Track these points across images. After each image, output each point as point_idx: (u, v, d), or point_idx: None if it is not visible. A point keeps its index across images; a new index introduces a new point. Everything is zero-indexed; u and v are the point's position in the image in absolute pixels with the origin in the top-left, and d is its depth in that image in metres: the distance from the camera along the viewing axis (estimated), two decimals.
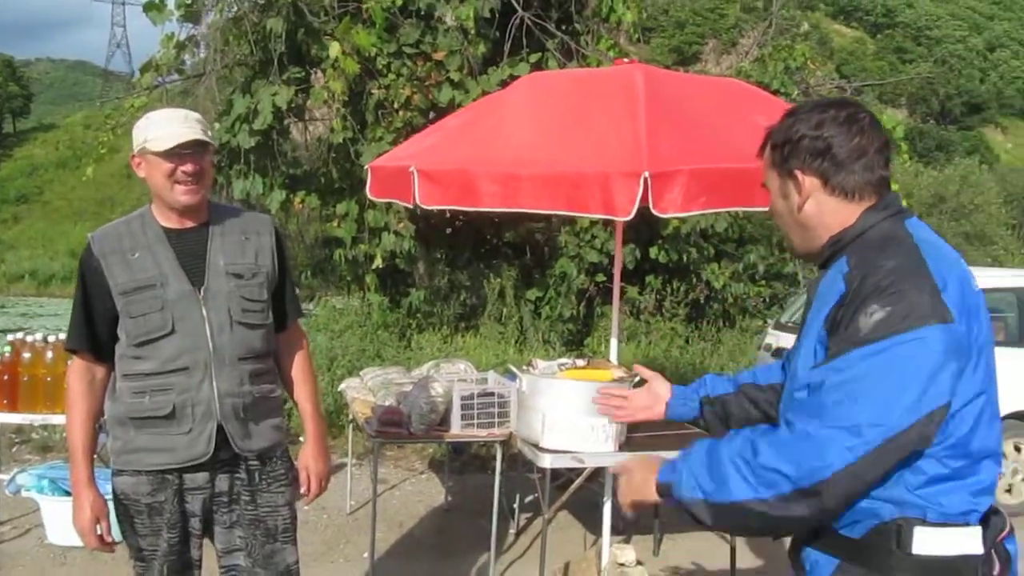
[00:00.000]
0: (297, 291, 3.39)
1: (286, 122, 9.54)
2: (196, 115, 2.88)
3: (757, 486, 1.77)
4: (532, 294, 10.63)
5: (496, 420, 4.79)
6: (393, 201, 5.34)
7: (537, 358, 5.27)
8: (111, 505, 2.87)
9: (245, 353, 2.86)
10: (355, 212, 9.40)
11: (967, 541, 1.81)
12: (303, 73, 9.30)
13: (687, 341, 10.73)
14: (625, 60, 5.31)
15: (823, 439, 1.72)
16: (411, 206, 4.60)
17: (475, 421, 4.77)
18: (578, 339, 10.58)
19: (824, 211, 1.96)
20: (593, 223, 10.28)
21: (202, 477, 2.84)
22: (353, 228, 9.43)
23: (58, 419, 4.90)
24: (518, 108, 4.71)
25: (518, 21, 9.36)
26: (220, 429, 2.81)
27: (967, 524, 1.81)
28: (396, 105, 9.06)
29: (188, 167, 2.76)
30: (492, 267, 10.69)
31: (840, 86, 15.77)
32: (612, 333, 5.32)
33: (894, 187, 2.15)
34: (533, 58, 9.28)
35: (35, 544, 5.30)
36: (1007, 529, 1.89)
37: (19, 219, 51.59)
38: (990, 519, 1.86)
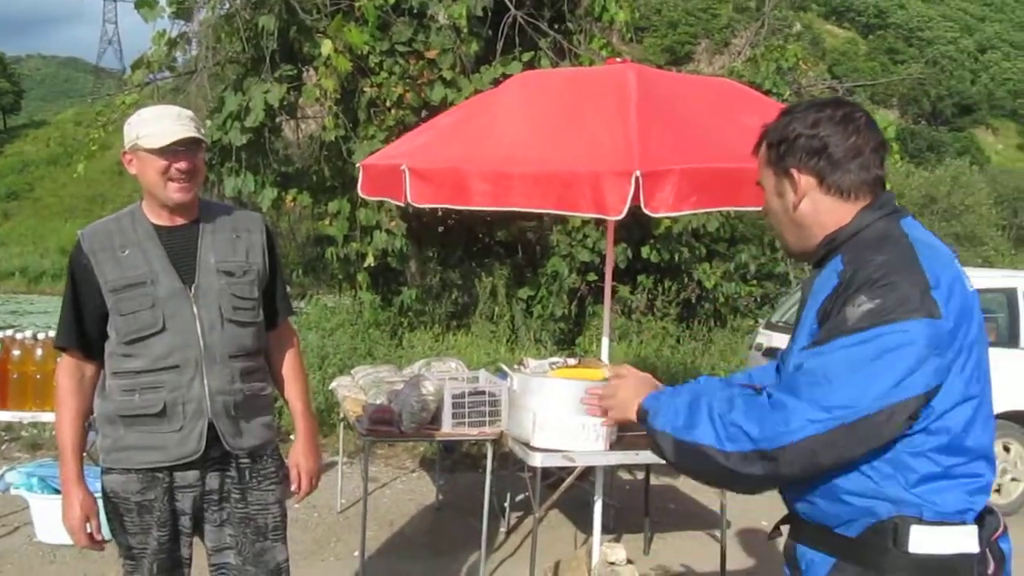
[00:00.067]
0: (288, 289, 3.38)
1: (278, 120, 9.54)
2: (188, 112, 2.87)
3: (723, 438, 1.81)
4: (524, 293, 10.63)
5: (487, 419, 4.79)
6: (385, 199, 5.33)
7: (528, 357, 5.27)
8: (100, 503, 2.86)
9: (236, 351, 2.85)
10: (347, 210, 9.40)
11: (963, 540, 1.81)
12: (295, 71, 9.29)
13: (678, 340, 10.74)
14: (617, 59, 5.32)
15: (791, 409, 1.76)
16: (402, 204, 4.60)
17: (466, 420, 4.78)
18: (569, 338, 10.59)
19: (819, 210, 1.97)
20: (585, 222, 10.28)
21: (192, 475, 2.83)
22: (345, 226, 9.42)
23: (48, 417, 4.88)
24: (510, 107, 4.71)
25: (511, 20, 9.36)
26: (211, 427, 2.80)
27: (963, 523, 1.82)
28: (388, 103, 9.06)
29: (182, 164, 2.76)
30: (484, 266, 10.69)
31: (832, 86, 15.81)
32: (603, 332, 5.32)
33: None
34: (526, 57, 9.28)
35: (24, 542, 5.29)
36: (1001, 528, 1.90)
37: (9, 216, 51.37)
38: (985, 518, 1.87)
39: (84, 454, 2.87)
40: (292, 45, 9.18)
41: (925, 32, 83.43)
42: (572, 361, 4.59)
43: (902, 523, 1.80)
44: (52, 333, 4.41)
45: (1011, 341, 6.90)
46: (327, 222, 9.63)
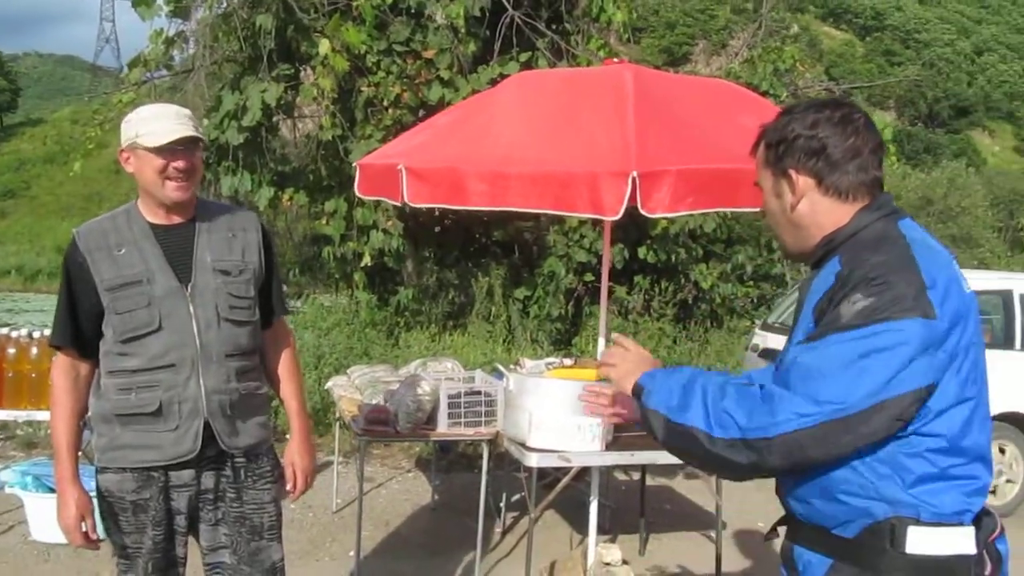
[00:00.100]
0: (284, 288, 3.38)
1: (275, 119, 9.53)
2: (187, 111, 2.87)
3: (712, 423, 1.82)
4: (520, 293, 10.63)
5: (483, 419, 4.79)
6: (382, 199, 5.33)
7: (525, 357, 5.28)
8: (95, 502, 2.86)
9: (232, 350, 2.85)
10: (344, 210, 9.40)
11: (960, 541, 1.81)
12: (292, 70, 9.29)
13: (675, 341, 10.75)
14: (615, 60, 5.32)
15: (780, 401, 1.76)
16: (399, 204, 4.59)
17: (462, 420, 4.77)
18: (566, 338, 10.59)
19: (817, 211, 1.97)
20: (582, 223, 10.29)
21: (188, 474, 2.83)
22: (342, 226, 9.42)
23: (43, 415, 4.88)
24: (507, 107, 4.70)
25: (508, 20, 9.36)
26: (207, 426, 2.80)
27: (961, 524, 1.82)
28: (386, 103, 9.06)
29: (180, 163, 2.76)
30: (480, 266, 10.69)
31: (829, 88, 15.84)
32: (600, 333, 5.32)
33: None
34: (523, 57, 9.28)
35: (18, 541, 5.28)
36: (998, 530, 1.90)
37: (6, 214, 51.28)
38: (982, 520, 1.87)
39: (79, 453, 2.87)
40: (289, 44, 9.18)
41: (922, 34, 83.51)
42: (568, 361, 4.60)
43: (899, 524, 1.80)
44: (47, 332, 4.41)
45: (1006, 343, 6.92)
46: (324, 221, 9.63)
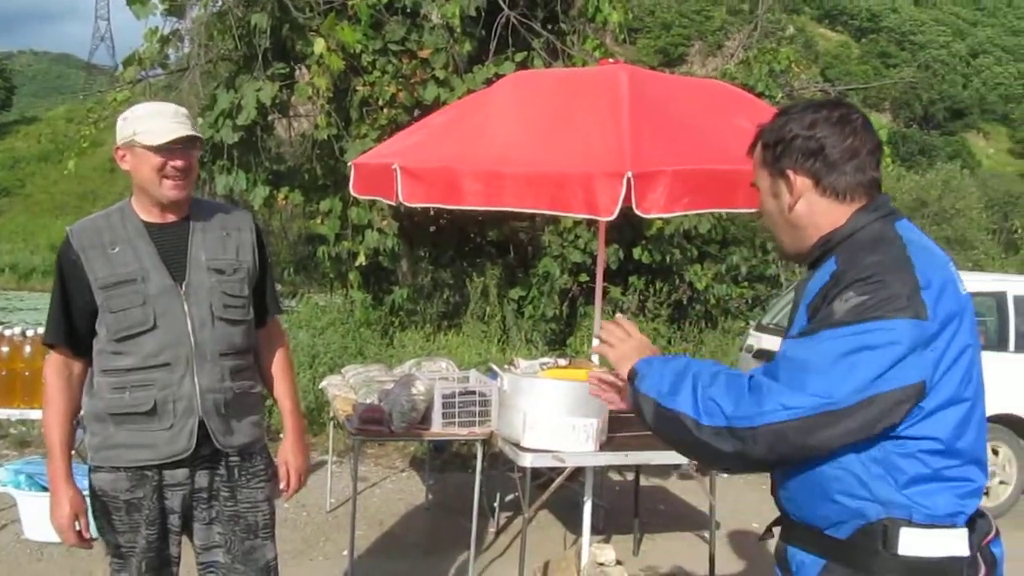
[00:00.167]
0: (279, 287, 3.38)
1: (270, 118, 9.53)
2: (184, 110, 2.88)
3: (700, 410, 1.82)
4: (515, 293, 10.63)
5: (477, 419, 4.79)
6: (377, 198, 5.33)
7: (519, 357, 5.28)
8: (88, 501, 2.85)
9: (226, 349, 2.85)
10: (339, 209, 9.39)
11: (953, 543, 1.81)
12: (288, 69, 9.28)
13: (669, 342, 10.75)
14: (610, 60, 5.32)
15: (767, 392, 1.76)
16: (394, 204, 4.59)
17: (456, 420, 4.77)
18: (560, 339, 10.59)
19: (815, 211, 1.96)
20: (577, 223, 10.29)
21: (182, 473, 2.82)
22: (337, 225, 9.41)
23: (36, 414, 4.87)
24: (503, 107, 4.71)
25: (504, 20, 9.36)
26: (201, 425, 2.79)
27: (954, 526, 1.82)
28: (381, 102, 9.05)
29: (178, 163, 2.76)
30: (475, 266, 10.68)
31: (824, 90, 15.86)
32: (594, 333, 5.32)
33: None
34: (519, 57, 9.28)
35: (11, 540, 5.26)
36: (993, 532, 1.90)
37: (0, 212, 51.22)
38: (976, 522, 1.87)
39: (72, 452, 2.86)
40: (285, 43, 9.17)
41: (917, 36, 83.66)
42: (563, 362, 4.61)
43: (891, 525, 1.79)
44: (41, 330, 4.40)
45: (1000, 344, 6.93)
46: (319, 221, 9.62)
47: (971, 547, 1.83)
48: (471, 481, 5.23)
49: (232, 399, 2.86)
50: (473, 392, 4.83)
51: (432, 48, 9.11)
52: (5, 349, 4.95)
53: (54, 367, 2.82)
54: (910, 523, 1.79)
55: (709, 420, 1.80)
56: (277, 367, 3.12)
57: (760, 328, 8.10)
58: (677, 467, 6.64)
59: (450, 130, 4.77)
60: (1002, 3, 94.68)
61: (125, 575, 2.82)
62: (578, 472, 4.84)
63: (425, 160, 4.48)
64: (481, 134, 4.54)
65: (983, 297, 7.13)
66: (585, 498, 4.79)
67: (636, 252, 10.82)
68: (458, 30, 9.08)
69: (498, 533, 5.81)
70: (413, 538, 5.76)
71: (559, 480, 4.62)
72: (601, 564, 4.80)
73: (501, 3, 9.38)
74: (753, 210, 4.12)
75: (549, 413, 4.16)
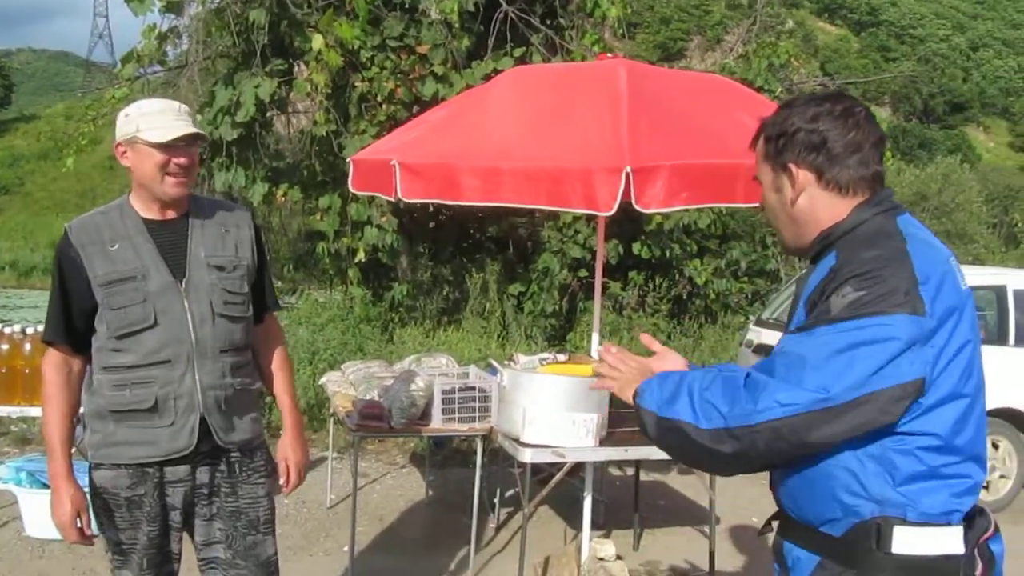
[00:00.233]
0: (279, 284, 3.39)
1: (269, 114, 9.52)
2: (186, 107, 2.89)
3: (699, 415, 1.82)
4: (515, 289, 10.63)
5: (477, 414, 4.80)
6: (376, 195, 5.32)
7: (519, 353, 5.28)
8: (89, 498, 2.85)
9: (226, 346, 2.85)
10: (338, 205, 9.38)
11: (948, 541, 1.80)
12: (286, 65, 9.26)
13: (669, 337, 10.75)
14: (609, 55, 5.32)
15: (763, 389, 1.76)
16: (393, 199, 4.59)
17: (456, 415, 4.78)
18: (560, 334, 10.59)
19: (817, 206, 1.95)
20: (576, 218, 10.29)
21: (183, 470, 2.83)
22: (336, 222, 9.41)
23: (36, 411, 4.87)
24: (501, 102, 4.70)
25: (502, 15, 9.34)
26: (202, 421, 2.80)
27: (948, 524, 1.81)
28: (379, 98, 9.04)
29: (182, 160, 2.77)
30: (475, 262, 10.68)
31: (823, 84, 15.85)
32: (594, 328, 5.33)
33: None
34: (517, 52, 9.27)
35: (13, 537, 5.27)
36: (991, 530, 1.88)
37: (0, 210, 51.21)
38: (975, 519, 1.86)
39: (73, 449, 2.86)
40: (283, 39, 9.15)
41: (917, 30, 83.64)
42: (562, 357, 4.61)
43: (885, 524, 1.79)
44: (41, 328, 4.41)
45: (1000, 338, 6.93)
46: (318, 217, 9.62)
47: (967, 545, 1.82)
48: (471, 477, 5.23)
49: (232, 395, 2.87)
50: (473, 388, 4.83)
51: (430, 44, 9.10)
52: (5, 347, 4.95)
53: (53, 364, 2.82)
54: (904, 521, 1.79)
55: (707, 423, 1.80)
56: (275, 364, 3.12)
57: (760, 323, 8.09)
58: (677, 462, 6.64)
59: (449, 126, 4.77)
60: None
61: (126, 572, 2.83)
62: (578, 467, 4.85)
63: (424, 156, 4.48)
64: (480, 130, 4.53)
65: (983, 291, 7.13)
66: (585, 493, 4.80)
67: (636, 247, 10.82)
68: (456, 26, 9.07)
69: (498, 529, 5.82)
70: (413, 534, 5.76)
71: (559, 475, 4.62)
72: (601, 559, 4.81)
73: None
74: (753, 205, 4.12)
75: (549, 408, 4.16)
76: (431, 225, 10.68)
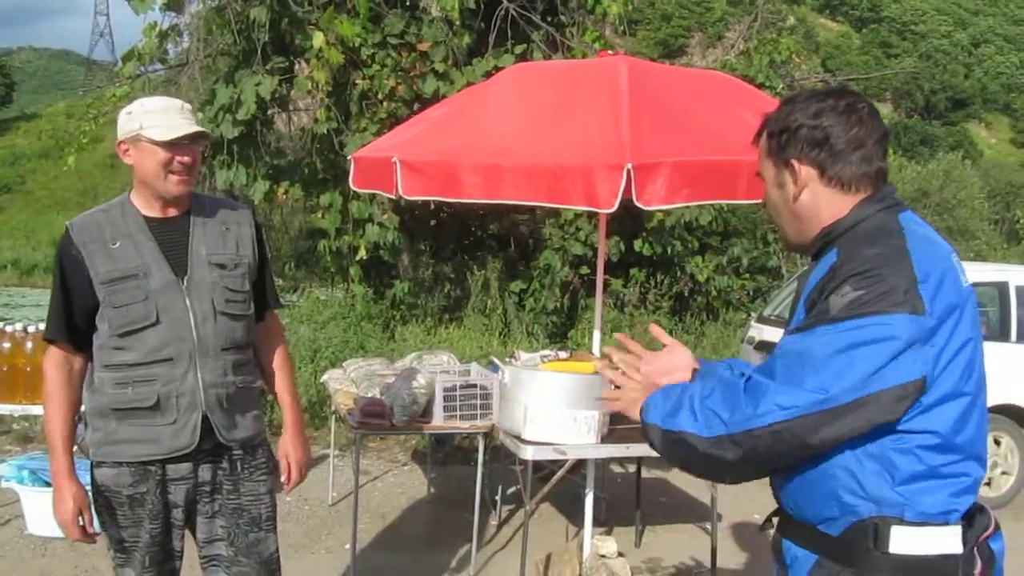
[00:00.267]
0: (280, 282, 3.39)
1: (270, 112, 9.52)
2: (188, 105, 2.90)
3: (701, 424, 1.82)
4: (516, 286, 10.63)
5: (478, 412, 4.80)
6: (377, 192, 5.32)
7: (520, 350, 5.28)
8: (91, 496, 2.85)
9: (228, 344, 2.86)
10: (339, 203, 9.39)
11: (946, 540, 1.79)
12: (287, 63, 9.27)
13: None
14: (610, 52, 5.31)
15: (763, 392, 1.76)
16: (394, 197, 4.59)
17: (457, 413, 4.78)
18: (562, 331, 10.60)
19: (819, 202, 1.93)
20: (578, 215, 10.29)
21: (185, 467, 2.83)
22: (337, 219, 9.41)
23: (38, 410, 4.87)
24: (502, 99, 4.70)
25: (503, 12, 9.34)
26: (204, 419, 2.80)
27: (946, 523, 1.80)
28: (380, 96, 9.04)
29: (186, 158, 2.77)
30: (476, 259, 10.69)
31: (825, 80, 15.86)
32: (595, 325, 5.32)
33: None
34: (518, 49, 9.27)
35: (15, 535, 5.28)
36: (991, 528, 1.87)
37: (1, 209, 51.23)
38: (975, 518, 1.85)
39: (75, 447, 2.86)
40: (283, 37, 9.15)
41: (919, 26, 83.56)
42: (564, 354, 4.61)
43: (883, 523, 1.78)
44: (43, 326, 4.41)
45: (1002, 335, 6.92)
46: (319, 215, 9.62)
47: (966, 544, 1.81)
48: (473, 474, 5.23)
49: (234, 393, 2.87)
50: (474, 385, 4.83)
51: (431, 41, 9.10)
52: (7, 345, 4.95)
53: (54, 362, 2.82)
54: (902, 521, 1.78)
55: (709, 431, 1.80)
56: (276, 362, 3.13)
57: (762, 320, 8.09)
58: None
59: (449, 123, 4.76)
60: None
61: (128, 570, 2.83)
62: (579, 464, 4.84)
63: (425, 153, 4.47)
64: (480, 127, 4.53)
65: (985, 287, 7.12)
66: (587, 490, 4.80)
67: (637, 244, 10.82)
68: (457, 23, 9.06)
69: (500, 526, 5.82)
70: (415, 531, 5.76)
71: (560, 472, 4.62)
72: (603, 556, 4.80)
73: None
74: (754, 201, 4.12)
75: (550, 406, 4.16)
76: (432, 222, 10.68)
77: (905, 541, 1.78)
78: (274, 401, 3.19)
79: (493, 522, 5.83)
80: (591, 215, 9.43)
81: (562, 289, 10.63)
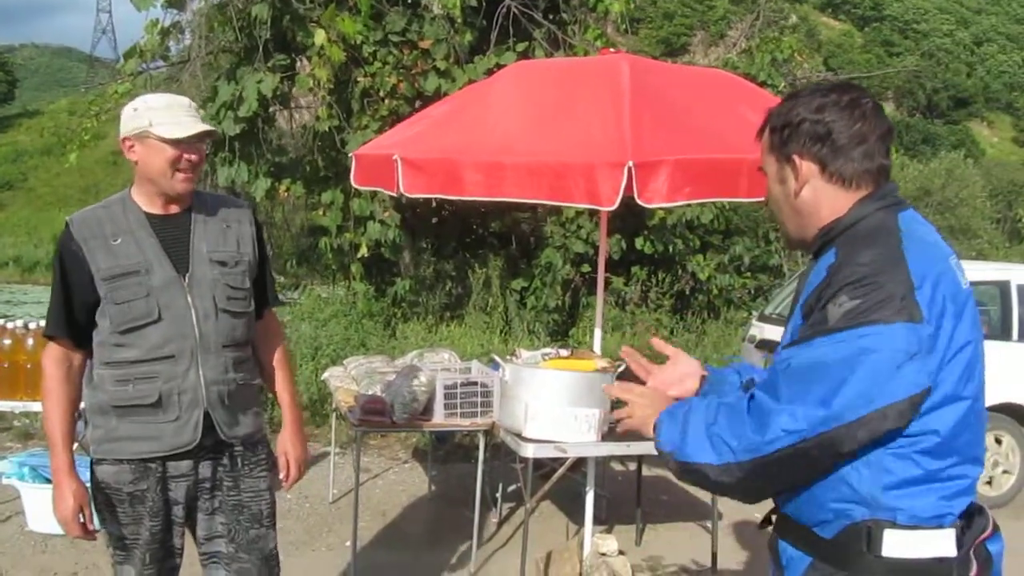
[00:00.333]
0: (282, 278, 3.39)
1: (271, 109, 9.52)
2: (193, 103, 2.90)
3: (710, 451, 1.82)
4: (517, 284, 10.63)
5: (479, 409, 4.79)
6: (378, 190, 5.32)
7: (521, 348, 5.27)
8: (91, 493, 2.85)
9: (228, 341, 2.86)
10: (341, 201, 9.39)
11: (940, 544, 1.78)
12: (288, 60, 9.26)
13: (672, 332, 10.75)
14: (612, 50, 5.30)
15: (768, 415, 1.75)
16: (395, 195, 4.59)
17: (458, 410, 4.78)
18: (563, 329, 10.59)
19: (820, 198, 1.91)
20: (579, 213, 10.29)
21: (186, 464, 2.83)
22: (339, 217, 9.41)
23: (39, 407, 4.85)
24: (504, 97, 4.70)
25: (505, 10, 9.34)
26: (206, 416, 2.80)
27: (940, 527, 1.79)
28: (382, 93, 9.04)
29: (194, 157, 2.79)
30: (478, 257, 10.68)
31: (827, 79, 15.80)
32: (596, 324, 5.32)
33: None
34: (520, 47, 9.26)
35: (16, 531, 5.28)
36: (989, 530, 1.86)
37: (3, 206, 51.22)
38: (973, 519, 1.84)
39: (75, 444, 2.86)
40: (285, 34, 9.15)
41: (921, 24, 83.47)
42: (564, 352, 4.60)
43: (876, 527, 1.77)
44: (43, 323, 4.41)
45: (1004, 334, 6.91)
46: (321, 212, 9.62)
47: (960, 547, 1.80)
48: (473, 472, 5.23)
49: (235, 391, 2.87)
50: (475, 383, 4.83)
51: (433, 39, 9.09)
52: (8, 342, 4.96)
53: (53, 358, 2.81)
54: (895, 525, 1.77)
55: (719, 459, 1.80)
56: (275, 359, 3.13)
57: (763, 318, 8.08)
58: None
59: (451, 121, 4.77)
60: None
61: (128, 567, 2.83)
62: (580, 462, 4.84)
63: (426, 151, 4.47)
64: (482, 124, 4.53)
65: (986, 286, 7.11)
66: (587, 488, 4.80)
67: (638, 242, 10.82)
68: (459, 20, 9.06)
69: (500, 524, 5.82)
70: (415, 529, 5.77)
71: (561, 470, 4.62)
72: (603, 554, 4.80)
73: None
74: (756, 200, 4.11)
75: (551, 403, 4.16)
76: (434, 220, 10.68)
77: (898, 544, 1.77)
78: (274, 398, 3.19)
79: (494, 520, 5.83)
80: (592, 213, 9.43)
81: (563, 287, 10.62)
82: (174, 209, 2.85)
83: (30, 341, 4.93)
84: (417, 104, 8.80)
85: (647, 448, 4.50)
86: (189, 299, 2.78)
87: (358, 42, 8.84)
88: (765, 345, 7.31)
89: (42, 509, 4.85)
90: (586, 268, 10.64)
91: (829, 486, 1.80)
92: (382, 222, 9.22)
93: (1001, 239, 25.34)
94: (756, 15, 14.98)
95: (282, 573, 3.10)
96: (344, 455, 6.78)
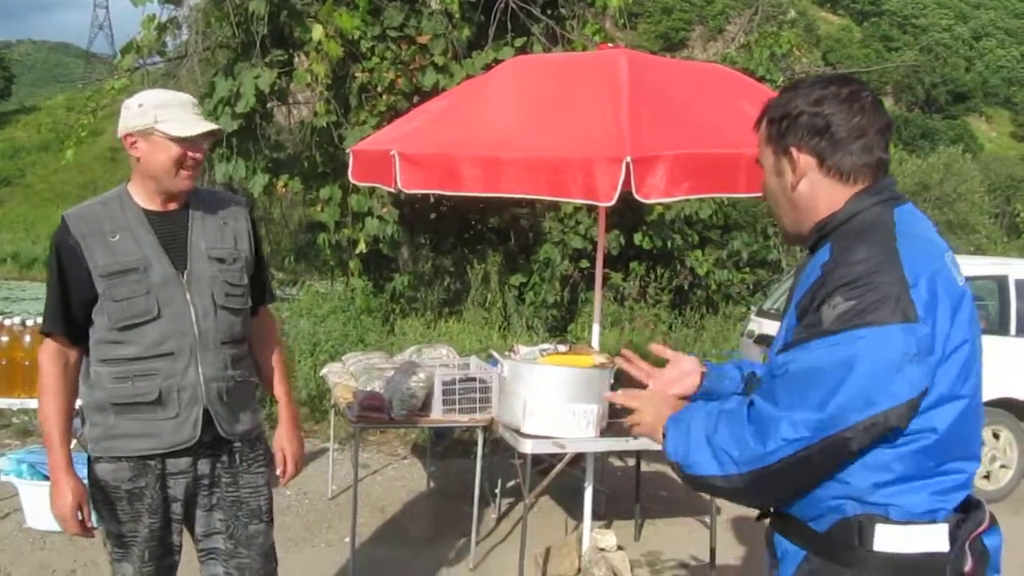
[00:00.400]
0: (280, 274, 3.38)
1: (269, 105, 9.50)
2: (195, 101, 2.90)
3: (713, 463, 1.82)
4: (516, 280, 10.63)
5: (477, 405, 4.79)
6: (376, 185, 5.31)
7: (520, 343, 5.27)
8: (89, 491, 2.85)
9: (227, 338, 2.86)
10: (339, 197, 9.38)
11: (932, 539, 1.78)
12: (286, 56, 9.25)
13: (670, 327, 10.75)
14: (610, 45, 5.29)
15: (768, 423, 1.75)
16: (393, 190, 4.58)
17: (456, 406, 4.77)
18: (561, 325, 10.60)
19: (817, 192, 1.89)
20: (578, 209, 10.29)
21: (185, 462, 2.83)
22: (337, 213, 9.40)
23: (36, 403, 4.86)
24: (502, 92, 4.69)
25: (503, 5, 9.33)
26: (204, 413, 2.80)
27: (933, 522, 1.78)
28: (380, 89, 9.03)
29: (199, 155, 2.79)
30: (476, 252, 10.68)
31: (825, 73, 15.79)
32: (594, 319, 5.32)
33: None
34: (518, 42, 9.25)
35: (14, 528, 5.27)
36: (986, 524, 1.85)
37: (1, 202, 51.17)
38: (970, 513, 1.83)
39: (73, 442, 2.85)
40: (282, 30, 9.14)
41: (920, 19, 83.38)
42: (563, 348, 4.59)
43: (868, 521, 1.77)
44: (41, 320, 4.40)
45: (1002, 328, 6.91)
46: (319, 208, 9.61)
47: (955, 541, 1.79)
48: (472, 468, 5.23)
49: (234, 387, 2.88)
50: (473, 379, 4.83)
51: (431, 34, 9.08)
52: (5, 339, 4.95)
53: (50, 355, 2.80)
54: (887, 520, 1.77)
55: (723, 471, 1.81)
56: (271, 356, 3.13)
57: (761, 313, 8.09)
58: None
59: (449, 116, 4.75)
60: None
61: (127, 564, 2.83)
62: (579, 458, 4.84)
63: (424, 146, 4.46)
64: (480, 120, 4.52)
65: (984, 281, 7.12)
66: (586, 484, 4.80)
67: (637, 238, 10.82)
68: (457, 16, 9.05)
69: (499, 519, 5.82)
70: (414, 524, 5.77)
71: (560, 466, 4.62)
72: (602, 549, 4.81)
73: None
74: (755, 195, 4.10)
75: (549, 399, 4.15)
76: (432, 216, 10.67)
77: (890, 539, 1.77)
78: (272, 395, 3.19)
79: (492, 515, 5.84)
80: (591, 208, 9.42)
81: (562, 283, 10.63)
82: (172, 206, 2.84)
83: (27, 338, 4.92)
84: (415, 99, 8.80)
85: (646, 444, 4.52)
86: (188, 296, 2.77)
87: (356, 37, 8.84)
88: (764, 340, 7.31)
89: (40, 506, 4.84)
90: (584, 264, 10.64)
91: (822, 482, 1.80)
92: (380, 218, 9.21)
93: (999, 234, 25.33)
94: (755, 10, 15.00)
95: (281, 569, 3.10)
96: (343, 451, 6.78)
